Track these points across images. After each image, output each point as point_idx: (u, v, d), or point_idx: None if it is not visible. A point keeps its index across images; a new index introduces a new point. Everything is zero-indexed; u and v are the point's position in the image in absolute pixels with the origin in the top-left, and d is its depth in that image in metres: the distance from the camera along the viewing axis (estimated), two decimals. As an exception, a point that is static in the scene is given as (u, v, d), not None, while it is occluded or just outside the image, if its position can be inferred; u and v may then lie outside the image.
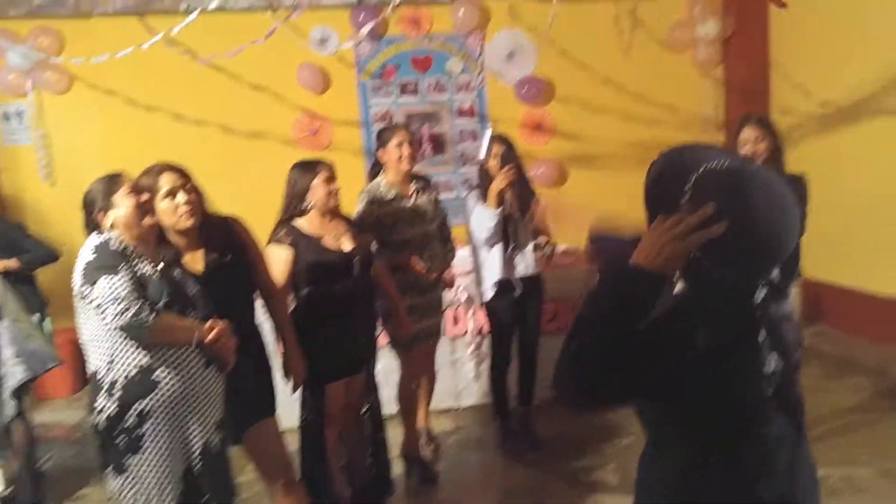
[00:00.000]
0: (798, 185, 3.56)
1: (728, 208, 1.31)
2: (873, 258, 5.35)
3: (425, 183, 3.93)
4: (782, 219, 1.34)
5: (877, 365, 5.03)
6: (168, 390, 2.38)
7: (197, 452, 2.46)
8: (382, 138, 3.80)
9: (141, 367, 2.36)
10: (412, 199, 3.81)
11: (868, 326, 5.45)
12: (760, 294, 1.43)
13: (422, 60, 6.21)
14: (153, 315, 2.30)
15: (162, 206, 2.66)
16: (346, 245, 3.31)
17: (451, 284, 4.16)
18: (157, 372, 2.37)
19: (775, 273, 1.46)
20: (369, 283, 3.41)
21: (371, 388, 3.54)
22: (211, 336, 2.40)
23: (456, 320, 4.65)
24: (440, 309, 3.99)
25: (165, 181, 2.68)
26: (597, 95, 6.32)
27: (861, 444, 3.95)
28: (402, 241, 3.75)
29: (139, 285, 2.34)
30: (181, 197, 2.69)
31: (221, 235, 2.87)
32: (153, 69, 5.45)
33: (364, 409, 3.52)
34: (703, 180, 1.34)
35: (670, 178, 1.38)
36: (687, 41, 6.28)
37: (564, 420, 4.55)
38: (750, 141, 3.58)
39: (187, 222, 2.71)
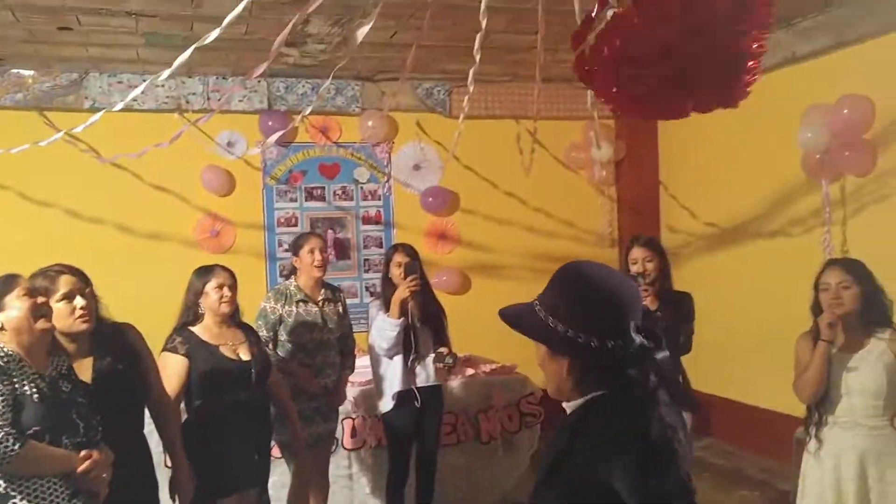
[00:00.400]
0: (685, 303, 3.75)
1: (571, 284, 1.45)
2: (757, 372, 5.61)
3: (334, 292, 4.03)
4: (620, 283, 1.45)
5: (764, 477, 5.20)
6: None
7: None
8: (296, 245, 3.97)
9: None
10: (318, 306, 3.91)
11: (755, 439, 5.65)
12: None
13: (329, 167, 6.30)
14: (20, 444, 2.13)
15: (57, 307, 2.54)
16: (244, 354, 3.24)
17: (343, 397, 4.14)
18: (14, 501, 2.18)
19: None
20: (265, 395, 3.33)
21: (263, 502, 3.39)
22: (83, 467, 2.25)
23: (354, 432, 4.55)
24: (333, 415, 4.00)
25: (63, 284, 2.58)
26: (499, 208, 6.54)
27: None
28: (299, 344, 3.82)
29: (13, 407, 2.18)
30: (78, 301, 2.60)
31: (114, 342, 2.76)
32: (49, 164, 5.31)
33: (255, 527, 3.36)
34: (547, 288, 1.49)
35: (517, 306, 1.53)
36: (583, 161, 6.63)
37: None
38: (639, 260, 3.74)
39: (82, 326, 2.61)
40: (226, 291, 3.23)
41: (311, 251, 3.88)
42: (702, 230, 6.25)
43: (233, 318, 3.35)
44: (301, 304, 3.88)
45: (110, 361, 2.70)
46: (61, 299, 2.56)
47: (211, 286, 3.23)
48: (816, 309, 3.06)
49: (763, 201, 5.57)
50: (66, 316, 2.57)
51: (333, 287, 4.13)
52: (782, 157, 5.18)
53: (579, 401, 1.41)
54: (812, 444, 3.05)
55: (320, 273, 3.92)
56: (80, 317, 2.60)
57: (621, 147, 6.63)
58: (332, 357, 3.93)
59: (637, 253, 3.76)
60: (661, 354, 1.37)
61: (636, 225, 6.54)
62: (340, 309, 4.05)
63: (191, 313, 3.25)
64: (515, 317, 1.47)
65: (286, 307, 3.85)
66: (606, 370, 1.37)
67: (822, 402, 3.01)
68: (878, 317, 2.99)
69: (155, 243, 5.72)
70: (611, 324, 1.36)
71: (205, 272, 3.28)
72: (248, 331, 3.41)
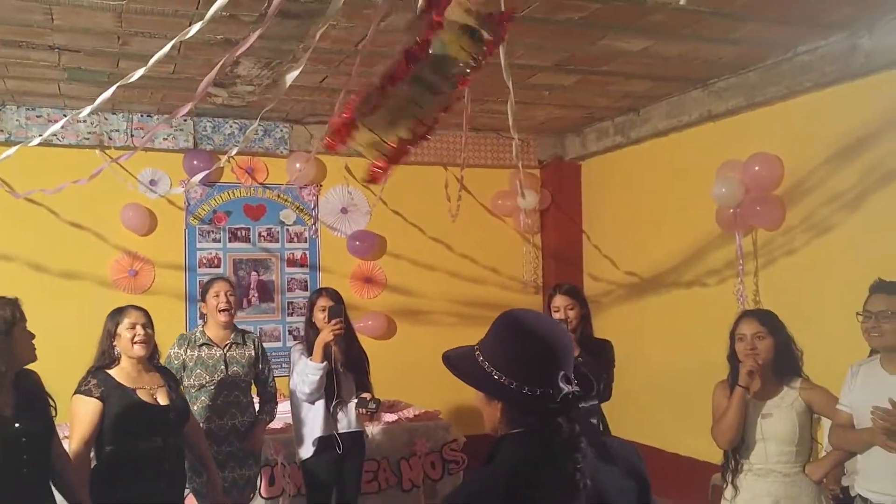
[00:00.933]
0: (606, 350, 3.82)
1: (507, 332, 1.52)
2: (675, 418, 5.74)
3: (245, 337, 4.05)
4: (553, 332, 1.52)
5: (681, 525, 5.27)
6: None
7: None
8: (203, 290, 4.00)
9: None
10: (224, 350, 3.92)
11: (673, 486, 5.74)
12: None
13: (255, 208, 6.23)
14: None
15: None
16: (162, 399, 3.14)
17: (258, 444, 4.07)
18: None
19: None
20: (180, 441, 3.22)
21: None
22: None
23: (272, 480, 4.43)
24: (250, 460, 3.96)
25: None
26: (426, 253, 6.56)
27: None
28: (200, 387, 3.85)
29: None
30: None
31: (27, 384, 2.69)
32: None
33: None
34: (486, 335, 1.55)
35: (461, 351, 1.59)
36: (509, 209, 6.74)
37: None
38: (561, 308, 3.81)
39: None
40: (139, 330, 3.13)
41: (217, 294, 3.92)
42: (622, 279, 6.41)
43: (150, 361, 3.25)
44: (204, 347, 3.91)
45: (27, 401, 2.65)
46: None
47: (124, 327, 3.14)
48: (733, 358, 3.14)
49: (681, 252, 5.76)
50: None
51: (244, 331, 4.13)
52: (698, 210, 5.39)
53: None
54: (728, 492, 3.12)
55: (226, 318, 3.94)
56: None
57: (546, 196, 6.78)
58: (238, 397, 3.94)
59: (559, 301, 3.83)
60: (589, 403, 1.49)
61: (560, 272, 6.66)
62: (252, 353, 4.04)
63: (106, 357, 3.15)
64: (457, 360, 1.55)
65: (188, 352, 3.90)
66: (534, 414, 1.44)
67: (738, 449, 3.09)
68: (790, 366, 3.10)
69: (69, 282, 5.51)
70: (540, 372, 1.44)
71: (117, 313, 3.20)
72: (167, 374, 3.32)
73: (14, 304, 2.65)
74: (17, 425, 2.55)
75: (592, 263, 6.81)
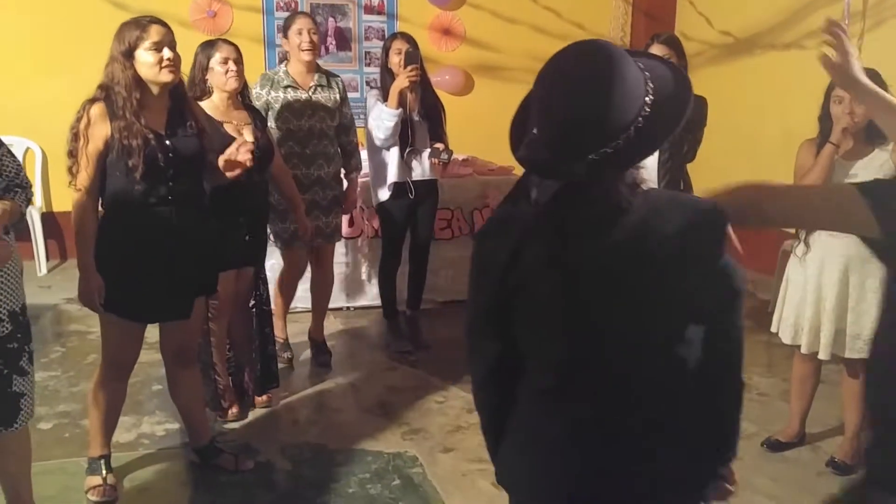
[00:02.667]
0: (700, 108, 3.66)
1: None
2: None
3: (330, 78, 3.87)
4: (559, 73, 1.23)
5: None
6: None
7: None
8: (285, 26, 3.76)
9: None
10: (308, 92, 3.76)
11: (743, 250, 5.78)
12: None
13: (332, -51, 5.95)
14: None
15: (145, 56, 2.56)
16: (248, 135, 3.21)
17: (352, 203, 4.12)
18: None
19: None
20: (264, 180, 3.35)
21: (259, 282, 3.52)
22: None
23: (352, 221, 4.64)
24: (336, 208, 3.97)
25: (154, 33, 2.56)
26: (508, 5, 6.25)
27: None
28: (286, 130, 3.72)
29: None
30: (166, 52, 2.58)
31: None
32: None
33: (251, 303, 3.50)
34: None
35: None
36: (600, -42, 6.27)
37: (451, 325, 4.68)
38: None
39: (167, 77, 2.60)
40: (231, 65, 3.14)
41: (300, 32, 3.66)
42: (716, 38, 6.03)
43: (241, 98, 3.29)
44: (289, 89, 3.72)
45: (187, 123, 2.72)
46: (150, 48, 2.55)
47: (216, 60, 3.15)
48: (825, 119, 3.01)
49: (781, 11, 5.34)
50: (152, 65, 2.57)
51: (330, 73, 3.92)
52: (808, -38, 4.89)
53: None
54: (800, 249, 3.11)
55: (309, 56, 3.71)
56: (167, 67, 2.58)
57: (641, -56, 6.24)
58: (326, 147, 3.82)
59: (656, 50, 3.61)
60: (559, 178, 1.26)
61: (650, 29, 6.26)
62: (337, 96, 3.85)
63: (197, 89, 3.19)
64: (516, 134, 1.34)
65: (272, 93, 3.71)
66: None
67: None
68: (882, 133, 2.94)
69: (149, 22, 5.50)
70: (515, 129, 1.32)
71: (209, 46, 3.20)
72: (255, 114, 3.35)
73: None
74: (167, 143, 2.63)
75: (685, 21, 6.39)
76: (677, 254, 1.23)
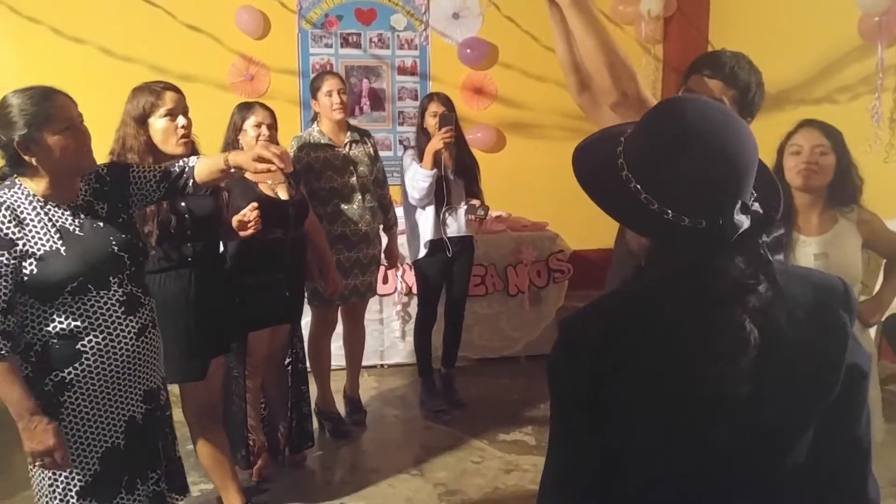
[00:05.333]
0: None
1: (662, 134, 1.07)
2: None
3: (363, 135, 3.92)
4: (731, 133, 1.06)
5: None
6: (93, 360, 2.08)
7: (121, 426, 2.17)
8: (313, 87, 3.81)
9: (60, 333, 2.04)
10: (345, 149, 3.79)
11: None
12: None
13: (366, 13, 6.10)
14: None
15: (159, 123, 2.61)
16: (283, 193, 3.27)
17: (395, 258, 4.16)
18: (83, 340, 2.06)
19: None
20: (302, 235, 3.38)
21: (295, 340, 3.52)
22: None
23: (385, 278, 4.65)
24: (373, 266, 3.97)
25: (169, 100, 2.62)
26: (539, 63, 6.32)
27: None
28: (331, 189, 3.74)
29: (19, 281, 1.97)
30: (181, 120, 2.63)
31: None
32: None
33: (287, 361, 3.50)
34: (632, 133, 1.12)
35: (600, 147, 1.16)
36: (630, 16, 6.33)
37: (485, 383, 4.65)
38: None
39: (180, 149, 2.63)
40: (264, 130, 3.21)
41: (329, 93, 3.70)
42: (747, 94, 6.02)
43: None
44: (327, 148, 3.74)
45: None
46: (164, 115, 2.60)
47: (250, 123, 3.22)
48: (779, 174, 2.50)
49: (813, 65, 5.33)
50: (170, 134, 2.61)
51: (361, 130, 3.97)
52: (839, 18, 4.90)
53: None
54: None
55: (341, 115, 3.73)
56: (182, 137, 2.62)
57: (671, 2, 6.30)
58: (370, 201, 3.84)
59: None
60: (776, 231, 1.06)
61: (680, 87, 6.31)
62: (371, 150, 3.88)
63: (230, 149, 3.25)
64: (591, 167, 1.14)
65: (311, 154, 3.72)
66: (695, 254, 1.05)
67: None
68: (849, 194, 2.56)
69: (189, 84, 5.51)
70: (709, 197, 1.04)
71: (245, 108, 3.28)
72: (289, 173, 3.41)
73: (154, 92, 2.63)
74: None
75: (716, 77, 6.40)
76: (808, 335, 1.08)
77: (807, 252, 2.52)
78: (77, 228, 2.06)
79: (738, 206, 1.02)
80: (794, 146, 2.51)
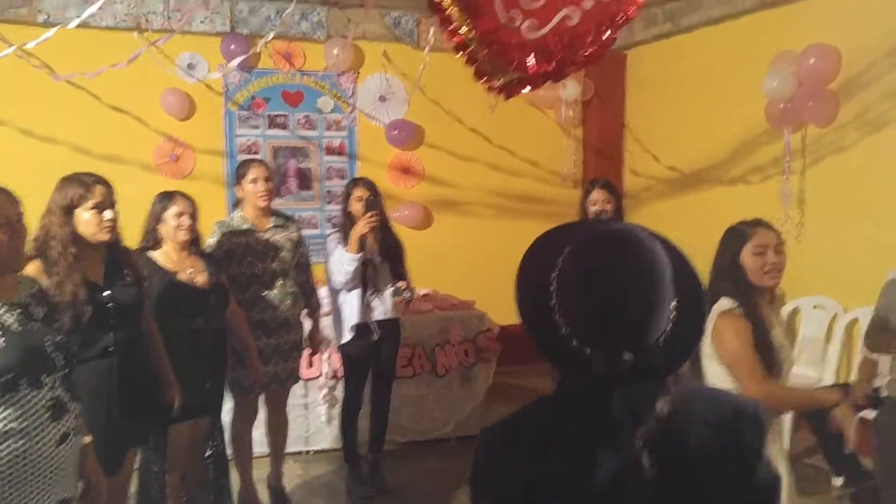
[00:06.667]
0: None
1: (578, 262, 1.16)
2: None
3: (286, 220, 3.91)
4: (635, 274, 1.14)
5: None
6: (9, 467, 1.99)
7: None
8: (238, 173, 3.80)
9: None
10: (267, 234, 3.77)
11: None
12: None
13: (293, 95, 6.17)
14: None
15: (85, 216, 2.61)
16: (202, 283, 3.23)
17: (318, 342, 4.09)
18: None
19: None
20: (222, 323, 3.32)
21: (216, 431, 3.42)
22: None
23: (311, 362, 4.58)
24: (295, 352, 3.91)
25: (98, 193, 2.63)
26: (464, 144, 6.49)
27: None
28: (251, 275, 3.70)
29: None
30: (108, 213, 2.64)
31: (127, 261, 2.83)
32: (0, 79, 5.12)
33: (208, 453, 3.39)
34: (566, 262, 1.19)
35: (536, 272, 1.22)
36: (551, 100, 6.58)
37: (414, 467, 4.58)
38: (598, 202, 3.95)
39: (105, 236, 2.65)
40: (184, 220, 3.19)
41: (254, 181, 3.69)
42: (664, 174, 6.29)
43: (193, 247, 3.31)
44: (249, 234, 3.70)
45: (125, 272, 2.76)
46: (92, 208, 2.61)
47: (170, 213, 3.19)
48: (742, 281, 2.50)
49: (725, 148, 5.61)
50: (95, 226, 2.62)
51: (285, 215, 3.96)
52: (747, 103, 5.20)
53: None
54: None
55: (265, 203, 3.72)
56: (106, 228, 2.64)
57: (589, 87, 6.59)
58: (289, 287, 3.82)
59: (597, 195, 3.98)
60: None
61: (600, 166, 6.56)
62: (294, 236, 3.86)
63: (150, 238, 3.23)
64: (527, 273, 1.22)
65: (233, 239, 3.67)
66: (581, 381, 1.15)
67: None
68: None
69: (113, 166, 5.52)
70: (595, 326, 1.13)
71: (166, 198, 3.24)
72: (210, 260, 3.37)
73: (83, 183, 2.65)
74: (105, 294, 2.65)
75: (634, 158, 6.69)
76: (718, 457, 1.12)
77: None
78: (15, 324, 2.03)
79: (641, 339, 1.10)
80: (757, 247, 2.50)
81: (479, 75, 2.29)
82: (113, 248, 2.75)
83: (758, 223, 2.61)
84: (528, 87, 2.20)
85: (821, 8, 4.74)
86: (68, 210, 2.60)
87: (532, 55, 2.05)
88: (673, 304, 1.15)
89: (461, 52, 2.27)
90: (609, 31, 2.15)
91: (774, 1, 4.98)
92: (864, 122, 4.52)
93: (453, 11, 2.21)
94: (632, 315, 1.11)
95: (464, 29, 2.20)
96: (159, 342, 3.18)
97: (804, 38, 4.71)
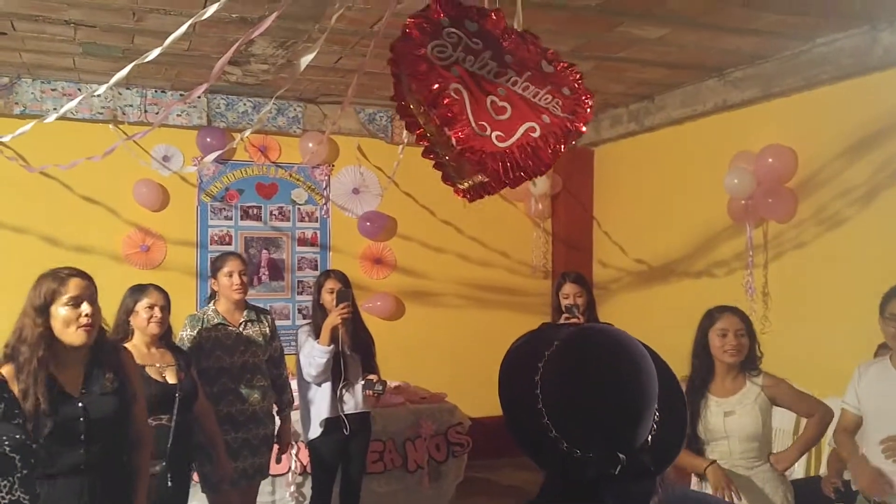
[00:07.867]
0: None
1: (576, 379, 1.15)
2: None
3: (259, 313, 3.90)
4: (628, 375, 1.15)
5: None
6: None
7: None
8: (214, 266, 3.82)
9: None
10: (239, 328, 3.77)
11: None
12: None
13: (267, 187, 6.25)
14: None
15: (61, 312, 2.42)
16: (171, 377, 3.18)
17: (286, 442, 4.01)
18: None
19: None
20: (187, 421, 3.25)
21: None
22: None
23: (279, 458, 4.47)
24: (264, 447, 3.83)
25: (73, 287, 2.44)
26: (436, 236, 6.57)
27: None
28: (219, 369, 3.68)
29: None
30: (85, 308, 2.44)
31: (110, 359, 2.62)
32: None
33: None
34: (550, 366, 1.18)
35: (520, 374, 1.21)
36: (521, 194, 6.72)
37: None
38: (570, 295, 4.00)
39: (82, 338, 2.45)
40: (156, 312, 3.17)
41: (230, 274, 3.72)
42: (631, 266, 6.41)
43: (163, 340, 3.28)
44: (220, 327, 3.72)
45: (105, 378, 2.54)
46: (67, 303, 2.42)
47: (142, 305, 3.18)
48: (705, 355, 3.08)
49: (691, 242, 5.75)
50: (70, 322, 2.42)
51: (258, 308, 3.98)
52: (710, 200, 5.37)
53: None
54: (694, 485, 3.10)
55: (240, 296, 3.76)
56: (84, 326, 2.43)
57: (557, 181, 6.76)
58: (259, 381, 3.78)
59: (569, 288, 4.01)
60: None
61: (569, 258, 6.66)
62: (267, 330, 3.88)
63: (120, 331, 3.19)
64: (510, 375, 1.22)
65: (203, 333, 3.67)
66: (576, 484, 1.14)
67: (701, 448, 3.04)
68: (753, 361, 3.09)
69: (82, 256, 5.51)
70: (588, 428, 1.13)
71: (138, 291, 3.23)
72: (180, 354, 3.33)
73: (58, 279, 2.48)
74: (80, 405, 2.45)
75: (602, 250, 6.81)
76: None
77: (718, 411, 3.00)
78: None
79: (633, 440, 1.11)
80: (721, 329, 3.04)
81: (444, 179, 2.41)
82: (97, 350, 2.54)
83: (726, 309, 3.12)
84: (489, 193, 2.31)
85: (777, 112, 4.97)
86: (42, 309, 2.41)
87: (500, 164, 2.16)
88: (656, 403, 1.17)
89: (429, 155, 2.37)
90: (562, 145, 2.29)
91: (732, 104, 5.21)
92: (822, 218, 4.68)
93: (419, 115, 2.33)
94: (623, 417, 1.12)
95: (429, 133, 2.31)
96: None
97: (761, 139, 4.92)
